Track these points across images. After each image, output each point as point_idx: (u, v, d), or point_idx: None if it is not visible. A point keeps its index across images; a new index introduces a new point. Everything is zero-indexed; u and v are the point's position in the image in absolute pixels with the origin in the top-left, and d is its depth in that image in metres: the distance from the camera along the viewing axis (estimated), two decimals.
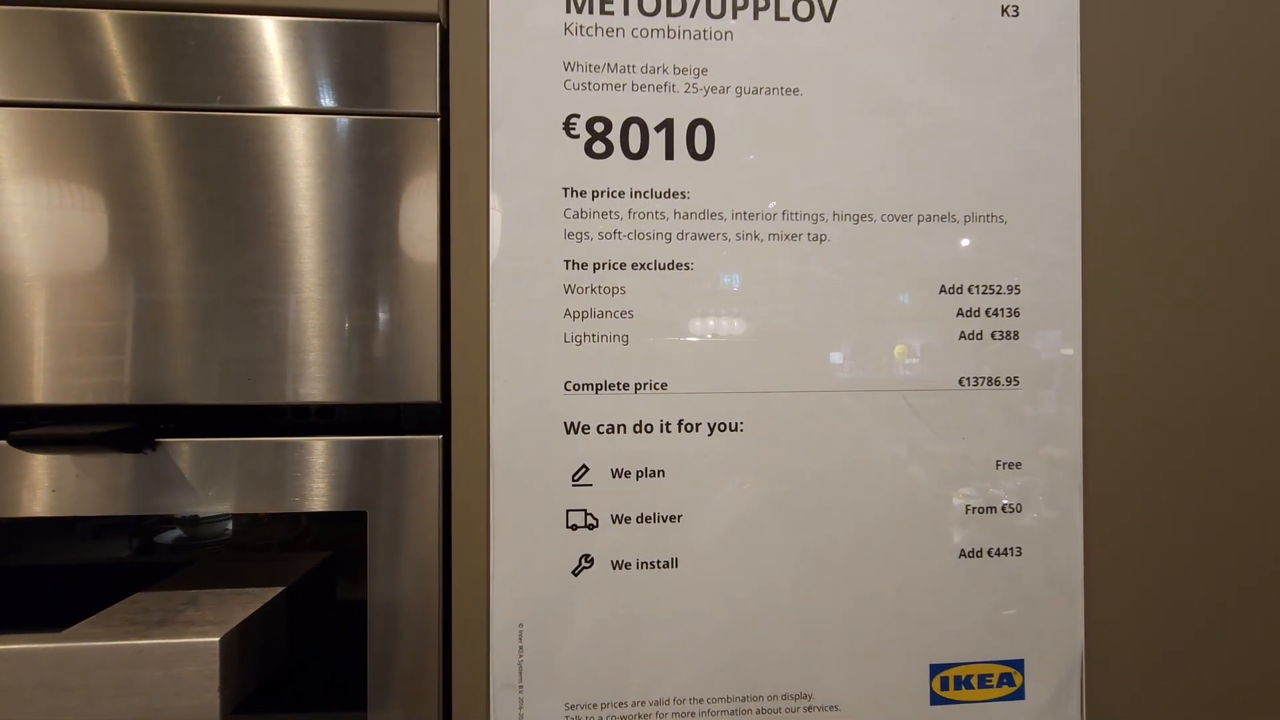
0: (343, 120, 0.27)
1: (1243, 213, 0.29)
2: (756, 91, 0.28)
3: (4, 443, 0.25)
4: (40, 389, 0.26)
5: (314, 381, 0.27)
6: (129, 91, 0.26)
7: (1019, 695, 0.28)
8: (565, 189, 0.27)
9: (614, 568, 0.27)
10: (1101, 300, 0.28)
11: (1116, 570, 0.29)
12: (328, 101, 0.27)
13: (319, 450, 0.27)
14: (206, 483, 0.27)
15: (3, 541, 0.29)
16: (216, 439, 0.27)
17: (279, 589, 0.26)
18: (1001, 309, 0.28)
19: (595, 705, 0.27)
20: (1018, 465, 0.28)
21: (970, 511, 0.28)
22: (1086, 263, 0.28)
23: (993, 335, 0.28)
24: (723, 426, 0.27)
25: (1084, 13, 0.28)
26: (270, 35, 0.27)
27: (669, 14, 0.27)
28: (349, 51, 0.27)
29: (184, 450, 0.27)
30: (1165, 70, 0.29)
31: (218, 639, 0.22)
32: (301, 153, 0.27)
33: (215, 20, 0.27)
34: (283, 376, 0.27)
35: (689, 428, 0.27)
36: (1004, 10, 0.28)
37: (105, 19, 0.26)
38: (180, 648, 0.21)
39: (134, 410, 0.26)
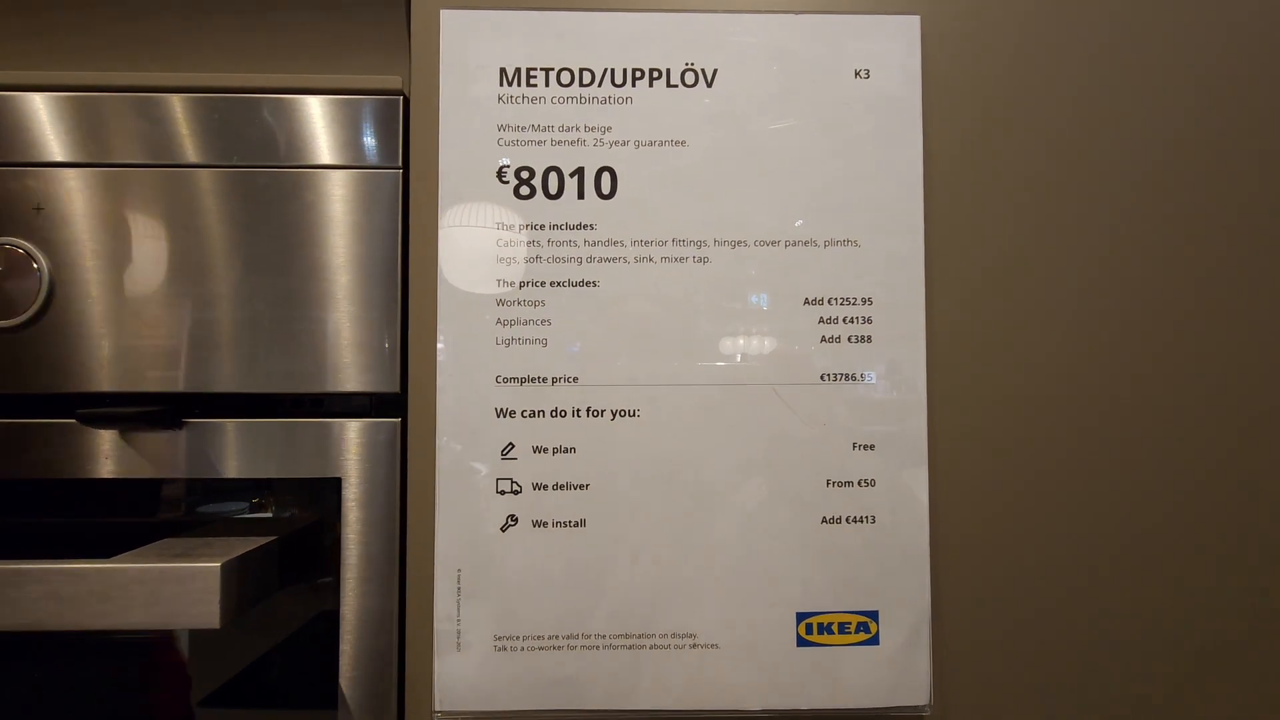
0: (330, 172, 0.35)
1: (1058, 229, 0.34)
2: (651, 144, 0.34)
3: (74, 421, 0.34)
4: (103, 379, 0.34)
5: (306, 377, 0.35)
6: (168, 155, 0.35)
7: (874, 641, 0.34)
8: (497, 224, 0.34)
9: (534, 526, 0.33)
10: (941, 308, 0.34)
11: (958, 536, 0.34)
12: (321, 158, 0.35)
13: (307, 429, 0.34)
14: (222, 455, 0.34)
15: (74, 498, 0.38)
16: (231, 419, 0.34)
17: (273, 538, 0.34)
18: (856, 317, 0.34)
19: (518, 637, 0.33)
20: (871, 447, 0.34)
21: (830, 485, 0.34)
22: (929, 277, 0.34)
23: (849, 339, 0.34)
24: (623, 413, 0.34)
25: (925, 73, 0.35)
26: (282, 110, 0.35)
27: (580, 85, 0.34)
28: (337, 119, 0.35)
29: (206, 429, 0.34)
30: (996, 116, 0.35)
31: (219, 564, 0.29)
32: (299, 198, 0.34)
33: (238, 100, 0.35)
34: (283, 372, 0.34)
35: (595, 414, 0.34)
36: (856, 73, 0.35)
37: (191, 101, 0.35)
38: (193, 570, 0.29)
39: (169, 396, 0.34)
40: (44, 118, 0.34)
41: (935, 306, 0.34)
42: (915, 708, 0.33)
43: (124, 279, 0.34)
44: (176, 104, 0.35)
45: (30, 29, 0.37)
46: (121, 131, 0.35)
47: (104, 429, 0.34)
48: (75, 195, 0.34)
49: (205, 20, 0.36)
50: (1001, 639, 0.34)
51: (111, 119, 0.35)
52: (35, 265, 0.33)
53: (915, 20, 0.35)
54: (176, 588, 0.29)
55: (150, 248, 0.34)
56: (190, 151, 0.35)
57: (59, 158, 0.34)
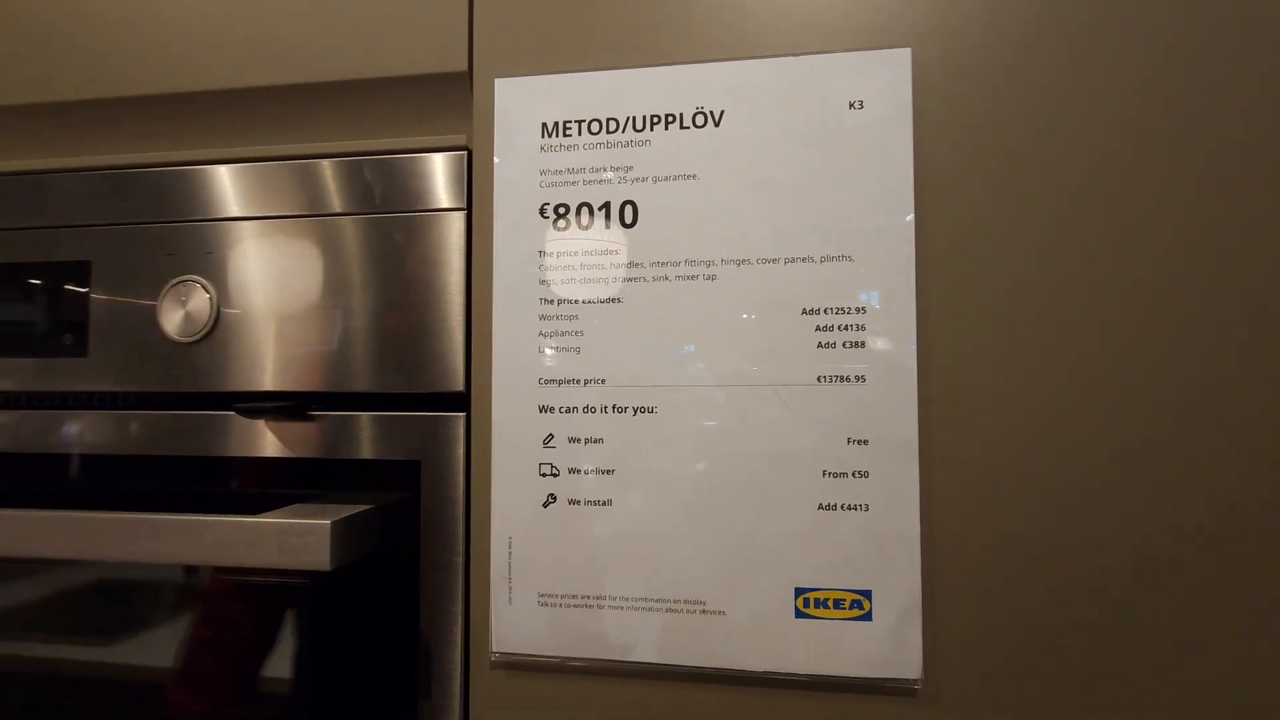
0: (414, 215, 0.43)
1: (1040, 237, 0.36)
2: (666, 179, 0.40)
3: (232, 413, 0.45)
4: (253, 381, 0.45)
5: (397, 378, 0.43)
6: (303, 207, 0.45)
7: (868, 618, 0.37)
8: (539, 252, 0.41)
9: (569, 503, 0.40)
10: (932, 317, 0.37)
11: (949, 523, 0.36)
12: (408, 204, 0.44)
13: (396, 421, 0.43)
14: (336, 442, 0.44)
15: (232, 471, 0.49)
16: (343, 412, 0.44)
17: (371, 506, 0.43)
18: (850, 325, 0.38)
19: (556, 595, 0.40)
20: (865, 442, 0.37)
21: (827, 475, 0.38)
22: (919, 289, 0.37)
23: (844, 345, 0.38)
24: (643, 410, 0.40)
25: (915, 101, 0.38)
26: (377, 168, 0.44)
27: (607, 132, 0.41)
28: (417, 171, 0.44)
29: (326, 419, 0.44)
30: (982, 135, 0.37)
31: (329, 522, 0.38)
32: (390, 237, 0.43)
33: (344, 163, 0.44)
34: (379, 376, 0.43)
35: (620, 410, 0.40)
36: (851, 104, 0.38)
37: (309, 165, 0.45)
38: (312, 525, 0.38)
39: (300, 394, 0.44)
40: (211, 185, 0.46)
41: (924, 314, 0.37)
42: (908, 680, 0.37)
43: (269, 304, 0.44)
44: (305, 169, 0.45)
45: (201, 116, 0.48)
46: (264, 190, 0.45)
47: (253, 419, 0.44)
48: (235, 241, 0.45)
49: (319, 103, 0.46)
50: (992, 619, 0.36)
51: (263, 181, 0.45)
52: (208, 295, 0.45)
53: (906, 53, 0.38)
54: (299, 539, 0.38)
55: (285, 278, 0.44)
56: (312, 204, 0.44)
57: (220, 215, 0.45)
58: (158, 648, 0.46)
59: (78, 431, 0.47)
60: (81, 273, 0.47)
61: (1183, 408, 0.35)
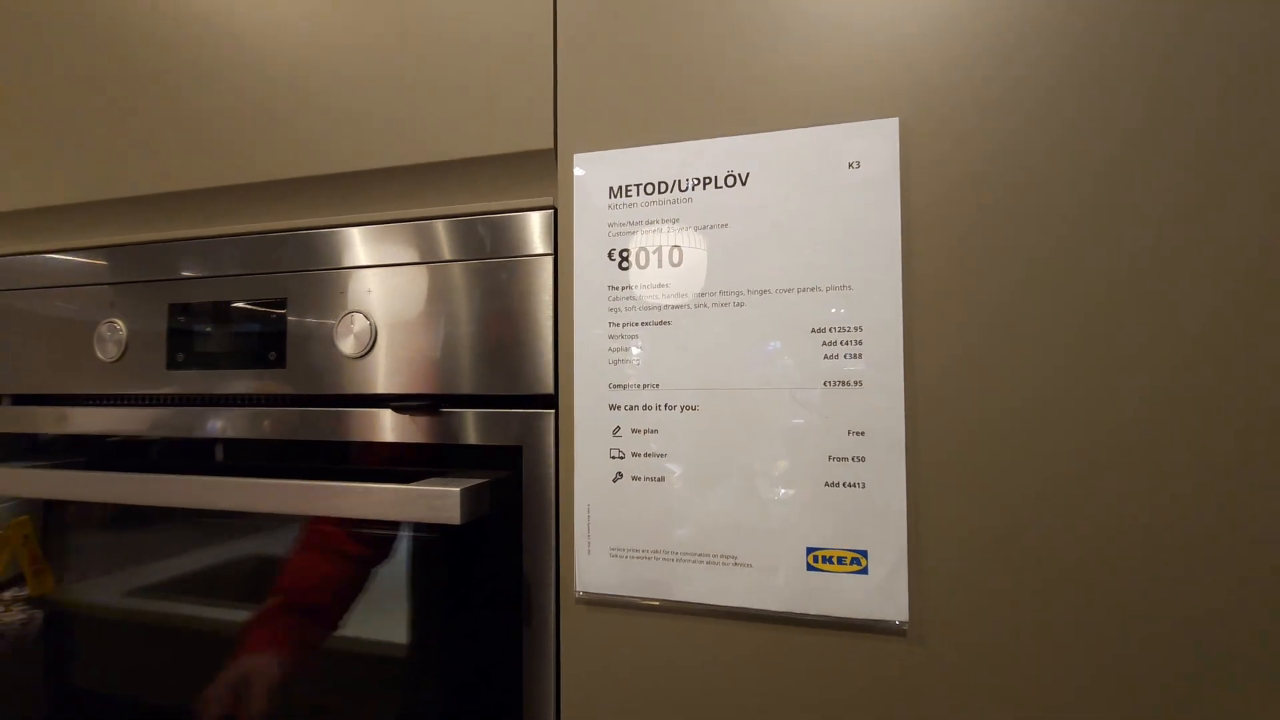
0: (515, 260, 0.57)
1: (1011, 265, 0.44)
2: (704, 228, 0.51)
3: (389, 410, 0.60)
4: (401, 386, 0.60)
5: (504, 383, 0.57)
6: (428, 255, 0.60)
7: (864, 572, 0.47)
8: (608, 286, 0.53)
9: (631, 479, 0.52)
10: (915, 335, 0.46)
11: (930, 499, 0.46)
12: (511, 251, 0.57)
13: (503, 416, 0.57)
14: (459, 431, 0.59)
15: (388, 454, 0.65)
16: (463, 410, 0.58)
17: (486, 480, 0.57)
18: (850, 340, 0.48)
19: (624, 549, 0.52)
20: (862, 434, 0.47)
21: (831, 460, 0.48)
22: (905, 313, 0.46)
23: (845, 356, 0.48)
24: (687, 408, 0.51)
25: (903, 160, 0.47)
26: (487, 223, 0.58)
27: (659, 193, 0.53)
28: (516, 226, 0.57)
29: (452, 415, 0.59)
30: (963, 194, 0.46)
31: (459, 489, 0.52)
32: (498, 276, 0.57)
33: (459, 221, 0.59)
34: (491, 383, 0.57)
35: (669, 408, 0.52)
36: (850, 165, 0.48)
37: (437, 224, 0.60)
38: (446, 491, 0.52)
39: (435, 396, 0.59)
40: (367, 240, 0.62)
41: (909, 333, 0.46)
42: (897, 623, 0.46)
43: (411, 329, 0.60)
44: (434, 226, 0.60)
45: (358, 189, 0.64)
46: (405, 244, 0.60)
47: (402, 415, 0.60)
48: (386, 282, 0.61)
49: (441, 176, 0.61)
50: (964, 575, 0.45)
51: (404, 237, 0.61)
52: (368, 323, 0.60)
53: (895, 121, 0.47)
54: (439, 500, 0.53)
55: (422, 310, 0.59)
56: (439, 253, 0.59)
57: (375, 263, 0.61)
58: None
59: (278, 424, 0.65)
60: (281, 307, 0.64)
61: (1141, 409, 0.42)
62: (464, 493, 0.52)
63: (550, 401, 0.56)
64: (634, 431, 0.53)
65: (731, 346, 0.50)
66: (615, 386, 0.53)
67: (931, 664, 0.46)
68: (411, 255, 0.60)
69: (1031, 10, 0.45)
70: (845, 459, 0.48)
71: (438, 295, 0.59)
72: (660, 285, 0.52)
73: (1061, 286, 0.44)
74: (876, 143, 0.48)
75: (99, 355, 0.70)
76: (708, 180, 0.52)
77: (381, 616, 0.62)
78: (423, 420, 0.59)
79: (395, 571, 0.62)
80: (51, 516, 0.76)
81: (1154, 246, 0.43)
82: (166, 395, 0.69)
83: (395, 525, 0.61)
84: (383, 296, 0.61)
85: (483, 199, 0.60)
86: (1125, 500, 0.42)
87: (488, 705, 0.57)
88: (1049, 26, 0.45)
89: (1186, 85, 0.42)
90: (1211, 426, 0.41)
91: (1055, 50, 0.44)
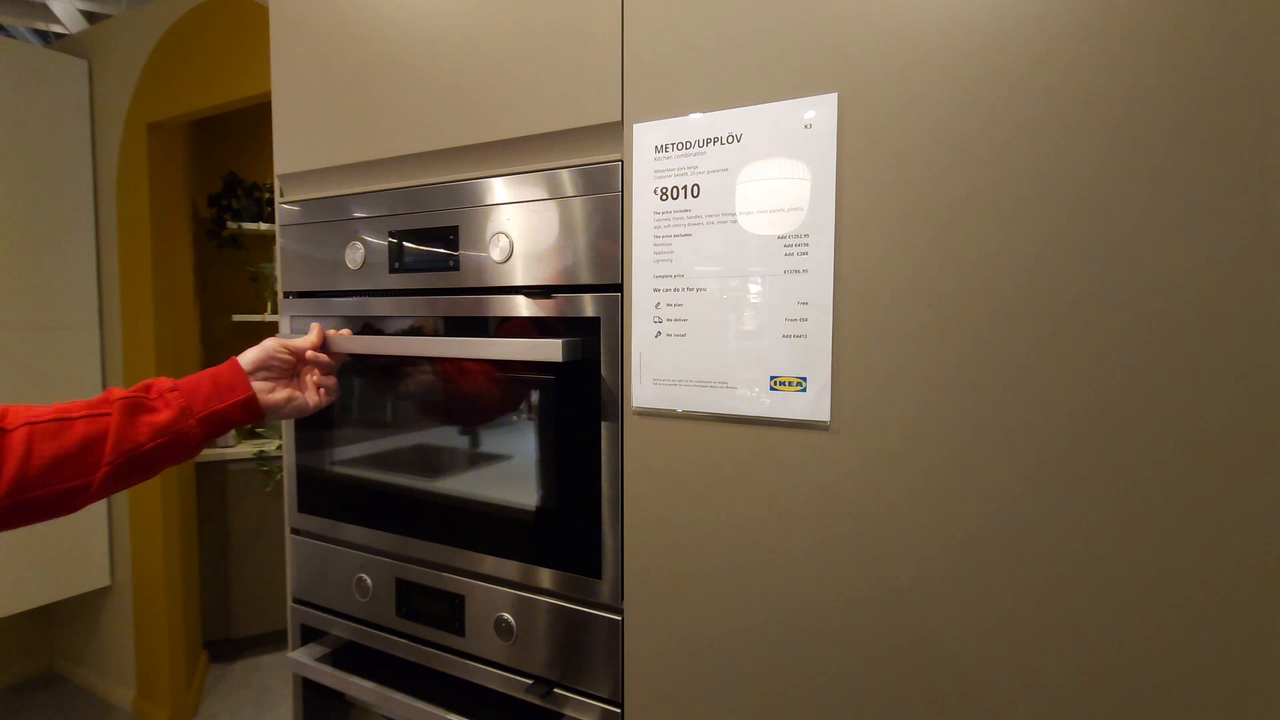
0: (596, 196, 0.88)
1: (932, 230, 0.68)
2: (713, 172, 0.78)
3: (521, 295, 0.95)
4: (533, 279, 0.94)
5: (592, 275, 0.89)
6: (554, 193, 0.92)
7: (804, 390, 0.75)
8: (653, 213, 0.83)
9: (667, 336, 0.83)
10: (843, 241, 0.71)
11: (848, 343, 0.72)
12: (596, 191, 0.88)
13: (590, 297, 0.89)
14: (565, 308, 0.92)
15: (520, 326, 1.00)
16: (566, 295, 0.91)
17: (578, 338, 0.90)
18: (801, 243, 0.74)
19: (661, 379, 0.84)
20: (806, 303, 0.74)
21: (786, 320, 0.75)
22: (837, 224, 0.72)
23: (797, 253, 0.74)
24: (700, 289, 0.80)
25: (840, 124, 0.71)
26: (578, 173, 0.89)
27: (685, 148, 0.80)
28: (599, 173, 0.88)
29: (560, 298, 0.92)
30: (885, 146, 0.69)
31: (561, 341, 0.86)
32: (591, 207, 0.88)
33: (567, 170, 0.90)
34: (582, 276, 0.90)
35: (689, 290, 0.81)
36: (806, 126, 0.73)
37: (552, 173, 0.92)
38: (552, 341, 0.86)
39: (548, 286, 0.93)
40: (507, 186, 0.95)
41: (839, 239, 0.72)
42: (823, 422, 0.74)
43: (535, 243, 0.93)
44: (551, 174, 0.92)
45: (498, 154, 0.97)
46: (530, 187, 0.93)
47: (529, 298, 0.94)
48: (518, 213, 0.94)
49: (552, 142, 0.92)
50: (869, 392, 0.72)
51: (528, 184, 0.93)
52: (509, 240, 0.95)
53: (835, 95, 0.71)
54: (549, 348, 0.86)
55: (540, 230, 0.92)
56: (551, 192, 0.91)
57: (510, 200, 0.94)
58: (459, 481, 1.01)
59: (454, 306, 1.02)
60: (454, 231, 1.00)
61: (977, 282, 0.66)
62: (565, 343, 0.86)
63: (618, 288, 0.87)
64: (668, 305, 0.83)
65: (728, 248, 0.78)
66: (657, 277, 0.83)
67: (843, 447, 0.73)
68: (536, 195, 0.93)
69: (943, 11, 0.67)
70: (795, 319, 0.75)
71: (551, 222, 0.92)
72: (685, 210, 0.81)
73: (945, 202, 0.67)
74: (823, 110, 0.72)
75: (348, 264, 1.12)
76: (715, 140, 0.79)
77: (521, 425, 0.99)
78: (541, 300, 0.93)
79: (529, 396, 0.98)
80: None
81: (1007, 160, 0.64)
82: (389, 289, 1.09)
83: (527, 366, 0.97)
84: (517, 223, 0.94)
85: (577, 156, 0.91)
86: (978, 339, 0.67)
87: (582, 473, 0.92)
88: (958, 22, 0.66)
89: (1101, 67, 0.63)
90: (1093, 314, 0.64)
91: (962, 43, 0.66)
